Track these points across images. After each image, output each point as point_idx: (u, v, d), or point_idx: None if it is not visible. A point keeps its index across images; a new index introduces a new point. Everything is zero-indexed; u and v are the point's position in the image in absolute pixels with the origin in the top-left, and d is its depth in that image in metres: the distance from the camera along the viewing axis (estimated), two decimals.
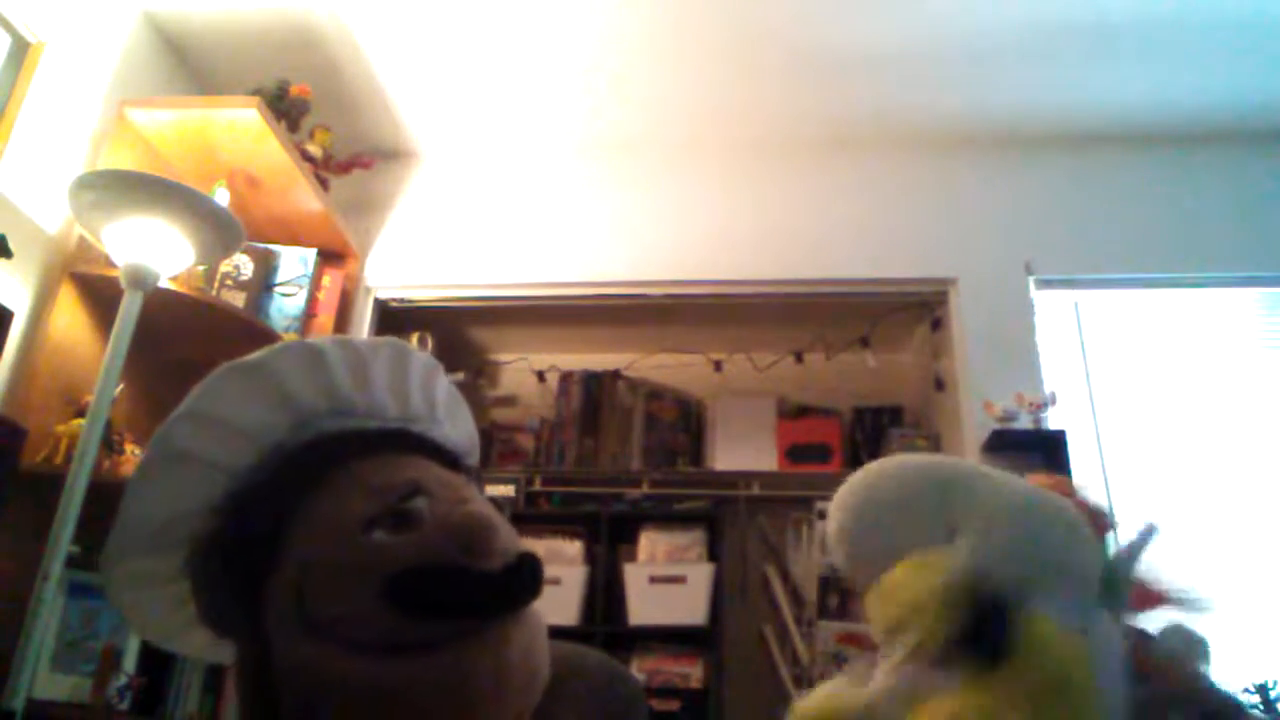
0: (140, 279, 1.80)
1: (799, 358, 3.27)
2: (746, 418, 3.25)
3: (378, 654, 0.59)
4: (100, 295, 2.13)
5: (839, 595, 2.67)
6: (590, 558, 2.95)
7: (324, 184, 2.61)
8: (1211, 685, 0.86)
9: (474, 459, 0.82)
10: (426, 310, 2.95)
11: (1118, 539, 0.88)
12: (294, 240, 2.61)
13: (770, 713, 2.87)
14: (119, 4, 2.37)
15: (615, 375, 3.39)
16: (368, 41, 2.55)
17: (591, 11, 2.42)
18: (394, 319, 2.92)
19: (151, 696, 1.96)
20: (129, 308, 1.79)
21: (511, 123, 2.87)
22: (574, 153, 2.97)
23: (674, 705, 2.68)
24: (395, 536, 0.63)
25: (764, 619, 3.04)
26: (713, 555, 2.91)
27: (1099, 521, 0.85)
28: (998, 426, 2.38)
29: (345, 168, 2.70)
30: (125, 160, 2.23)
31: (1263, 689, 2.01)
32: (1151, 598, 0.87)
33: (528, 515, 3.05)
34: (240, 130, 2.30)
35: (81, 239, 2.12)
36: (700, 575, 2.84)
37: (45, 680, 1.84)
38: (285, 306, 2.50)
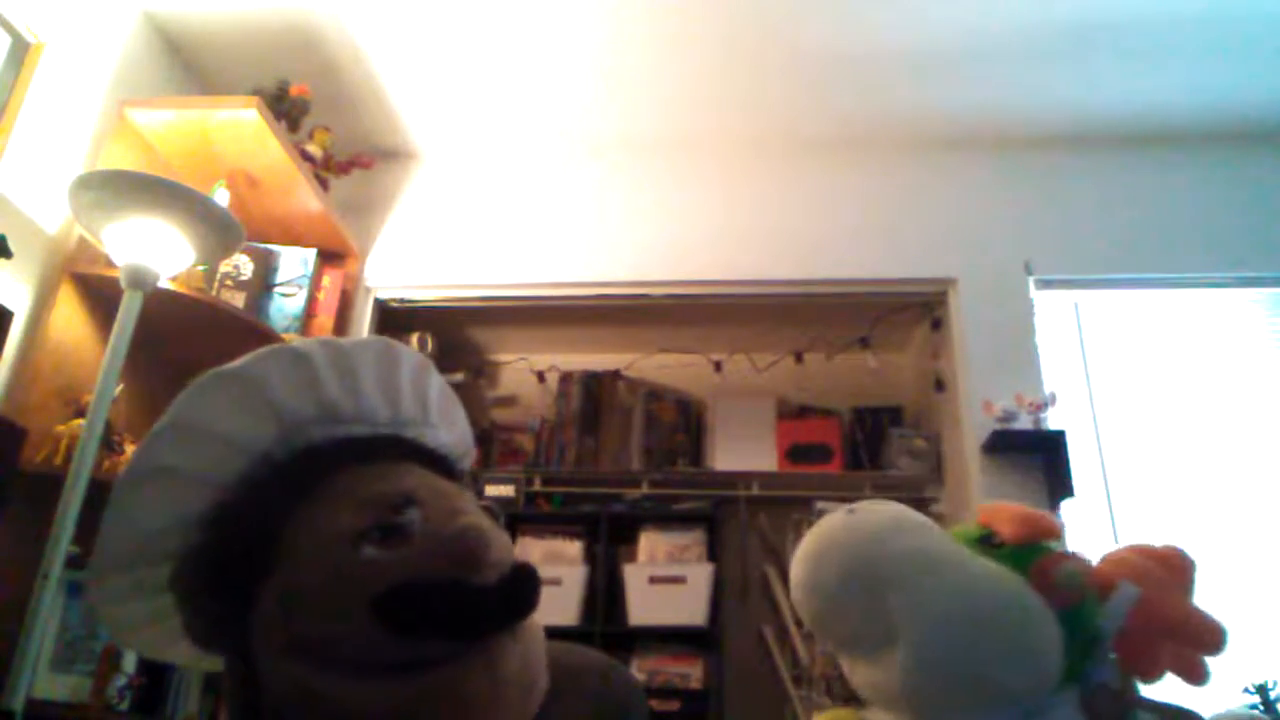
0: (140, 279, 1.80)
1: (799, 358, 3.27)
2: (746, 418, 3.24)
3: (369, 674, 0.57)
4: (100, 295, 2.13)
5: None
6: (590, 558, 2.96)
7: (324, 184, 2.61)
8: None
9: (468, 462, 0.81)
10: (427, 310, 2.95)
11: (1101, 601, 0.87)
12: (294, 240, 2.61)
13: (770, 713, 2.88)
14: (119, 4, 2.37)
15: (615, 375, 3.39)
16: (368, 42, 2.55)
17: (592, 12, 2.42)
18: (394, 319, 2.92)
19: (151, 696, 1.95)
20: (129, 308, 1.79)
21: (511, 123, 2.87)
22: (574, 153, 2.97)
23: (674, 705, 2.69)
24: (386, 552, 0.60)
25: (764, 619, 3.04)
26: (712, 555, 2.92)
27: (1069, 594, 0.85)
28: (998, 427, 2.38)
29: (345, 168, 2.70)
30: (125, 160, 2.23)
31: (1262, 689, 2.01)
32: (1145, 656, 0.87)
33: (527, 515, 3.04)
34: (240, 130, 2.29)
35: (81, 239, 2.11)
36: (700, 575, 2.84)
37: (45, 680, 1.84)
38: (285, 307, 2.50)
